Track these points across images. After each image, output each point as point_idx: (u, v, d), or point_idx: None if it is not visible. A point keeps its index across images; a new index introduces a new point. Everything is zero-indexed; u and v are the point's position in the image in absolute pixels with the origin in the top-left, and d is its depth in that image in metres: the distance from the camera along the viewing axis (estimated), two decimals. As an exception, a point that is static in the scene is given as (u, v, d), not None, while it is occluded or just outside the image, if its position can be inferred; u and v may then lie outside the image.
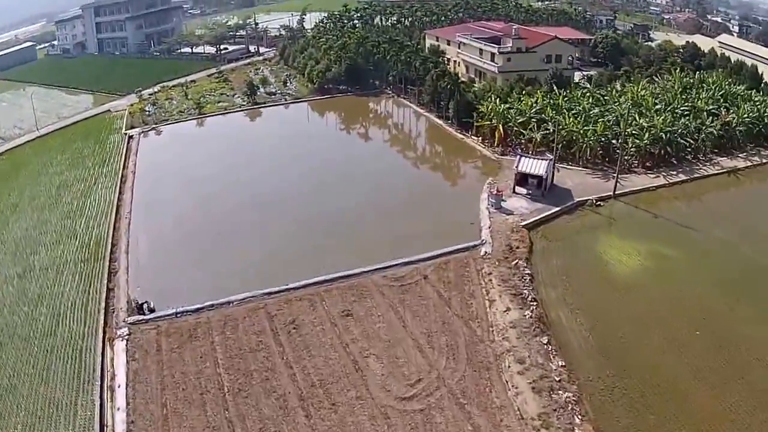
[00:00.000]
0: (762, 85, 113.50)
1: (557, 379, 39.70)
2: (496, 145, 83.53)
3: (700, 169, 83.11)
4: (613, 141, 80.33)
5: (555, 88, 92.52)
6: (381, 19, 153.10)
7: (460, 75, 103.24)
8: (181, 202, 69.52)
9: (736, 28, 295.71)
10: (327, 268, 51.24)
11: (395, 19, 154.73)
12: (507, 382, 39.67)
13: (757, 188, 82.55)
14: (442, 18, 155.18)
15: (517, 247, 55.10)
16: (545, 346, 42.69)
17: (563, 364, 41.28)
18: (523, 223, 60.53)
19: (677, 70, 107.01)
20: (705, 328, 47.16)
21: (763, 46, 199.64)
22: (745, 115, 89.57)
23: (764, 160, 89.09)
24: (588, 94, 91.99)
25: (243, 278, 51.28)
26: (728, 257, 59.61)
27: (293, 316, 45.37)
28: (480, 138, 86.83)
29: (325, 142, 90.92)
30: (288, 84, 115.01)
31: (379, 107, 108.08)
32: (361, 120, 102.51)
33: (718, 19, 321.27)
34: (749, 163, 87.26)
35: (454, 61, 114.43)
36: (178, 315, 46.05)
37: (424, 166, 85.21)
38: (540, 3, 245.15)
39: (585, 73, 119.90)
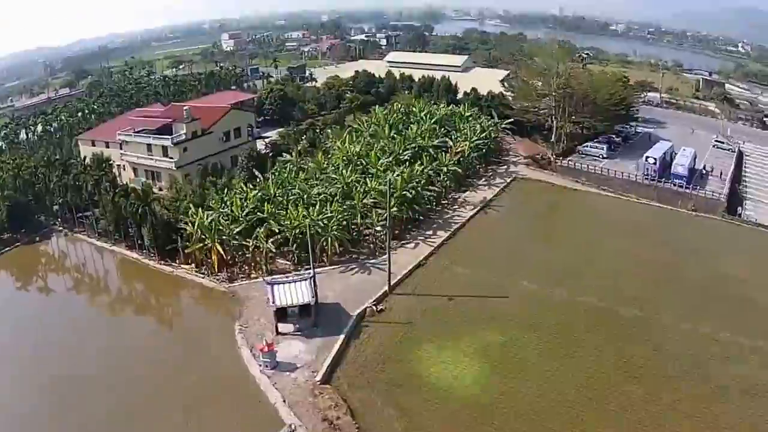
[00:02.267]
0: (463, 95, 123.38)
1: None
2: (217, 270, 75.70)
3: (453, 216, 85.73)
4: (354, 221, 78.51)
5: (256, 172, 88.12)
6: (26, 133, 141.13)
7: (129, 181, 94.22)
8: None
9: (384, 41, 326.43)
10: None
11: (41, 129, 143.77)
12: None
13: (517, 216, 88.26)
14: (89, 115, 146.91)
15: (337, 418, 47.80)
16: None
17: None
18: (319, 377, 54.05)
19: (376, 109, 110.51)
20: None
21: (432, 53, 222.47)
22: (474, 138, 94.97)
23: (504, 180, 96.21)
24: (295, 168, 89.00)
25: None
26: (563, 312, 62.19)
27: None
28: (193, 265, 77.76)
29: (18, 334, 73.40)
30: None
31: (52, 249, 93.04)
32: (39, 274, 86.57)
33: (362, 37, 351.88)
34: (496, 189, 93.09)
35: (118, 166, 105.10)
36: None
37: (140, 325, 70.33)
38: (181, 70, 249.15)
39: (266, 138, 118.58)
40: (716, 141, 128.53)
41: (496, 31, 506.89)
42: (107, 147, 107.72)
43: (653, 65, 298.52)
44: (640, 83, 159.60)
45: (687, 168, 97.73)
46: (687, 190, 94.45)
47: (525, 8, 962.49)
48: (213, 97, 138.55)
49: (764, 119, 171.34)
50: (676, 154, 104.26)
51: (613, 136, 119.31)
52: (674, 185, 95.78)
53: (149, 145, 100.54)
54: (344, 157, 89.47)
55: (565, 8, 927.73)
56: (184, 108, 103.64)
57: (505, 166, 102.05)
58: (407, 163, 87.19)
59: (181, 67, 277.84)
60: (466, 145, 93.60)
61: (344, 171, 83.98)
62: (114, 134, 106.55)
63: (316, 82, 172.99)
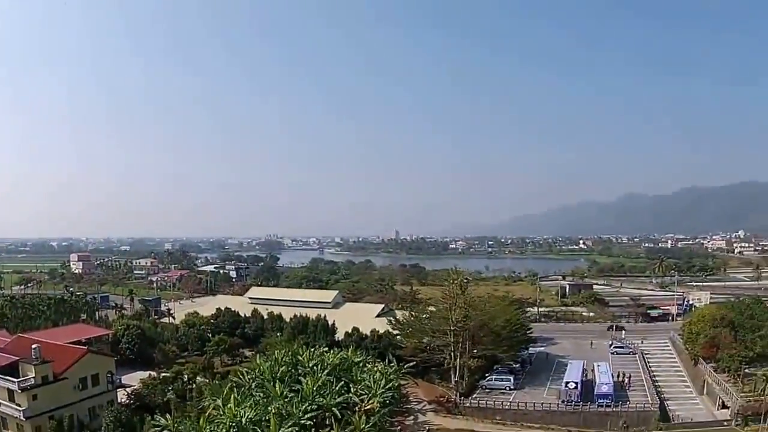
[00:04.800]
0: (345, 335, 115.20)
1: None
2: None
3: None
4: None
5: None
6: None
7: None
8: None
9: (234, 273, 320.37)
10: None
11: None
12: None
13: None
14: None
15: None
16: None
17: None
18: None
19: (258, 359, 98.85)
20: None
21: (287, 287, 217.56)
22: (380, 391, 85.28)
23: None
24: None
25: None
26: None
27: None
28: None
29: None
30: None
31: None
32: None
33: (211, 268, 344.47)
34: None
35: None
36: None
37: None
38: (29, 289, 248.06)
39: (128, 388, 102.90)
40: (615, 348, 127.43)
41: (340, 259, 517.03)
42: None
43: (508, 278, 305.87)
44: (518, 300, 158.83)
45: (611, 386, 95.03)
46: (614, 409, 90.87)
47: (359, 234, 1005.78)
48: (63, 331, 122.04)
49: (648, 312, 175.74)
50: (590, 371, 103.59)
51: (511, 363, 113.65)
52: (600, 406, 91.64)
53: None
54: (234, 424, 76.21)
55: (401, 232, 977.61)
56: (34, 346, 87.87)
57: (412, 417, 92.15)
58: (312, 430, 75.47)
59: (29, 285, 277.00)
60: (374, 401, 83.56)
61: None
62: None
63: (174, 318, 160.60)
